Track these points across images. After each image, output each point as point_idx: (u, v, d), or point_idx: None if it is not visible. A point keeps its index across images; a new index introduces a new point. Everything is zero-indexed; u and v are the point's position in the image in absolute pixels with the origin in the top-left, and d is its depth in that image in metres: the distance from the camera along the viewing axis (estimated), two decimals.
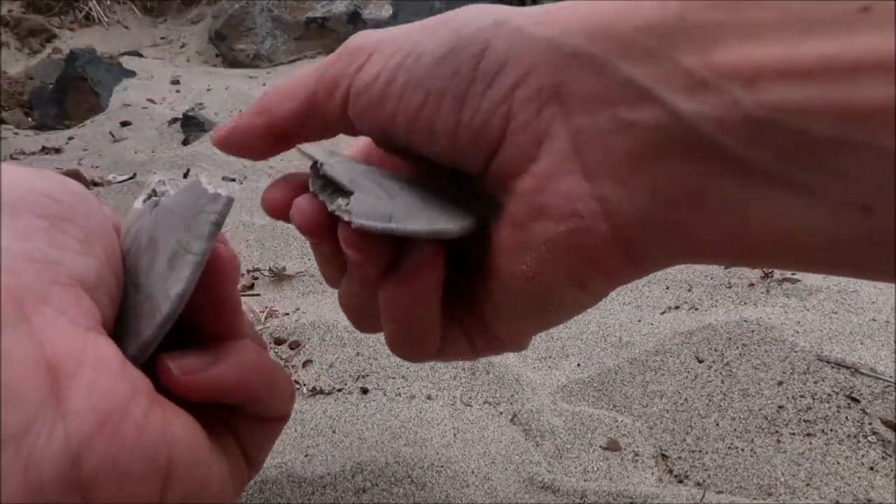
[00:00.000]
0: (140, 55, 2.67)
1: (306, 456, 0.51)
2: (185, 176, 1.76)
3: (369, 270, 0.22)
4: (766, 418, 0.55)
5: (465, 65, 0.20)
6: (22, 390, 0.15)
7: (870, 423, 0.54)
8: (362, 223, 0.20)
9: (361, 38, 0.24)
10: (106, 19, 2.97)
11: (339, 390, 0.61)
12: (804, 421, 0.55)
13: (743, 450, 0.53)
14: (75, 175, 1.52)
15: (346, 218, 0.20)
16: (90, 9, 2.97)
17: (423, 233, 0.20)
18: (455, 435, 0.54)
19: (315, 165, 0.23)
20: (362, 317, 0.27)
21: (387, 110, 0.22)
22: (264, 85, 2.43)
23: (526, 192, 0.20)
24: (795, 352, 0.61)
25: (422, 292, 0.22)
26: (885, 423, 0.54)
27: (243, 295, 0.81)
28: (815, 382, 0.58)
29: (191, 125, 1.92)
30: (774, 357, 0.62)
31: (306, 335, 0.70)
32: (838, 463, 0.51)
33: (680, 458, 0.53)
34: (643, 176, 0.18)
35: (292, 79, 0.25)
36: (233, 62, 2.71)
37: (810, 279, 0.78)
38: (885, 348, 0.62)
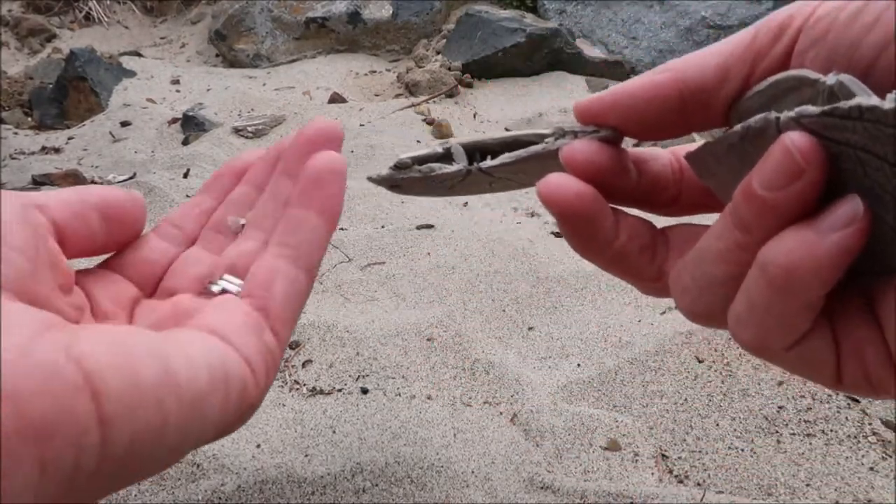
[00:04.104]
0: (140, 55, 2.67)
1: (306, 456, 0.51)
2: (185, 176, 1.77)
3: (789, 202, 0.18)
4: (766, 418, 0.55)
5: None
6: None
7: (870, 424, 0.54)
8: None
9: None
10: (106, 19, 2.97)
11: (339, 390, 0.61)
12: (804, 421, 0.55)
13: (743, 450, 0.53)
14: (73, 175, 1.52)
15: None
16: (90, 9, 2.97)
17: None
18: (455, 435, 0.54)
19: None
20: (706, 293, 0.22)
21: (854, 29, 0.18)
22: (264, 85, 2.43)
23: None
24: None
25: (840, 250, 0.18)
26: (885, 423, 0.54)
27: None
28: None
29: (191, 125, 1.92)
30: None
31: (306, 335, 0.69)
32: (838, 463, 0.51)
33: (680, 458, 0.53)
34: None
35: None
36: (233, 62, 2.70)
37: None
38: None
